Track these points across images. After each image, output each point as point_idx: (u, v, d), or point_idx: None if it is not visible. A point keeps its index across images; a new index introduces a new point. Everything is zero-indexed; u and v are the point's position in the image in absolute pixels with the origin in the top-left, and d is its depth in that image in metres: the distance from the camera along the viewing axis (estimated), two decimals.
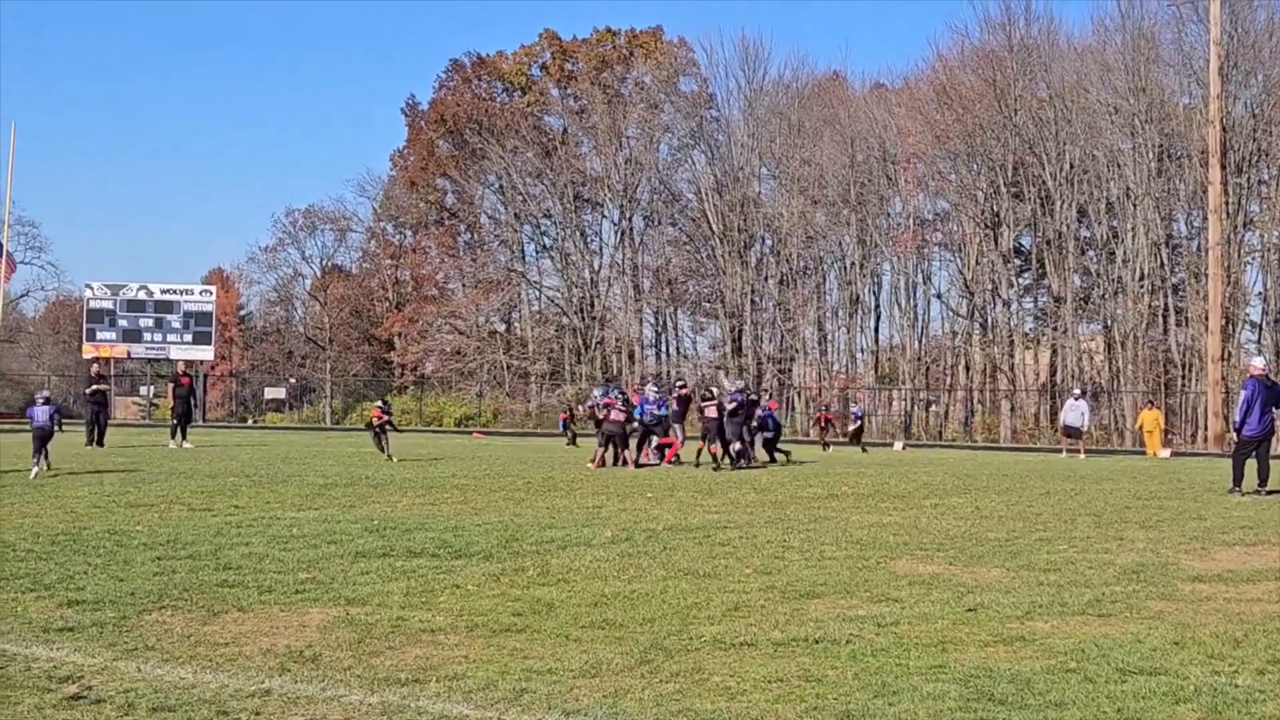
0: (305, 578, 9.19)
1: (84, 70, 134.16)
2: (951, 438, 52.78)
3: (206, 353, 65.04)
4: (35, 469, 19.80)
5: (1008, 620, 7.79)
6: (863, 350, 61.40)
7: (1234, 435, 19.71)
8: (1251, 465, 18.65)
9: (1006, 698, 5.83)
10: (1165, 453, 36.80)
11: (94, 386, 32.97)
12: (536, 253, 74.10)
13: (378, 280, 79.53)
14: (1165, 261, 50.73)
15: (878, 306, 61.02)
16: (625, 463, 24.62)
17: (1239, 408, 19.08)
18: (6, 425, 44.14)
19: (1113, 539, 12.26)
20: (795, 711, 5.63)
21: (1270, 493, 18.30)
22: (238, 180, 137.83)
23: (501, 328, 74.31)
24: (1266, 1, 48.65)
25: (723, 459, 24.37)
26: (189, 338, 63.32)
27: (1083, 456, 33.41)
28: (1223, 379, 42.48)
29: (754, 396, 29.31)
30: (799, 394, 60.56)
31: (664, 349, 70.77)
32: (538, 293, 72.71)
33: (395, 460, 25.06)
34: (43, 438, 20.40)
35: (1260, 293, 50.08)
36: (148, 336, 63.25)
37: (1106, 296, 51.78)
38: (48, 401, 21.23)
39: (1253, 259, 50.58)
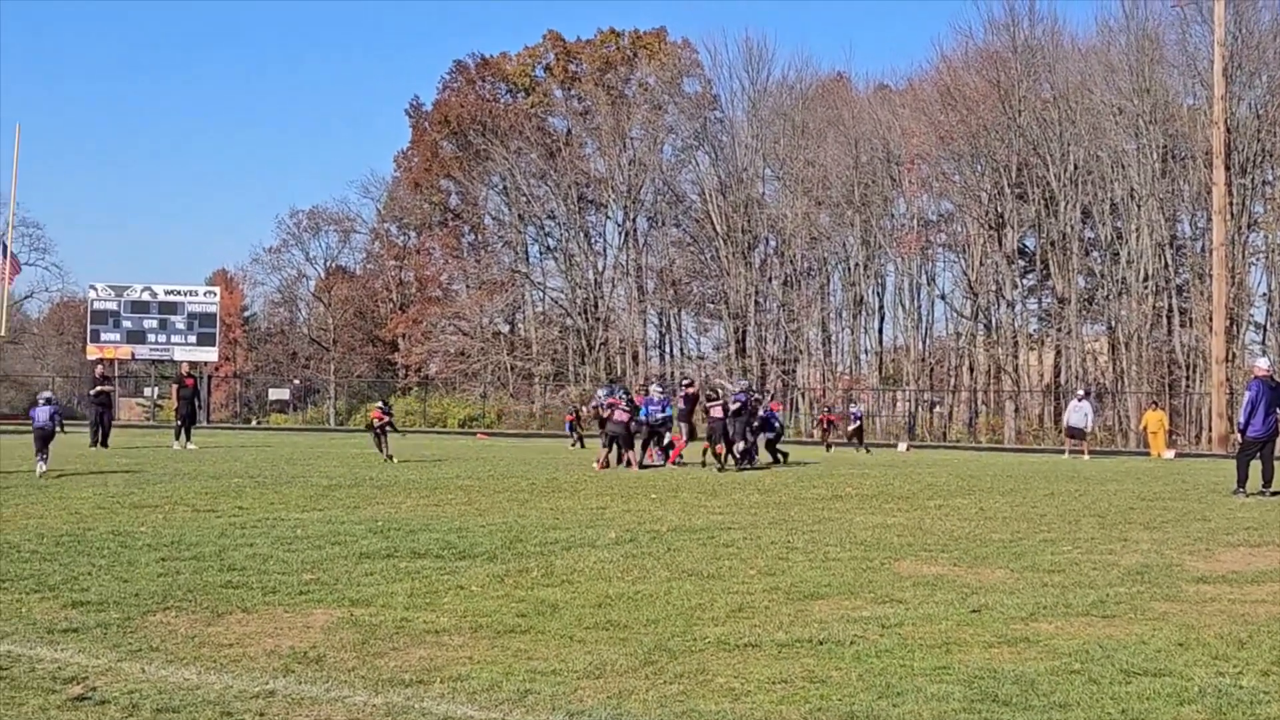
0: (309, 579, 9.19)
1: (88, 70, 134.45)
2: (956, 439, 52.77)
3: (210, 354, 65.10)
4: (40, 467, 19.85)
5: (1012, 621, 7.78)
6: (867, 351, 61.46)
7: (1238, 436, 19.70)
8: (1256, 466, 18.64)
9: (1011, 699, 5.83)
10: (1169, 454, 36.81)
11: (98, 388, 32.98)
12: (540, 254, 74.31)
13: (382, 281, 79.59)
14: (1169, 262, 50.72)
15: (882, 307, 61.09)
16: (629, 464, 24.60)
17: (1243, 409, 19.07)
18: (9, 427, 44.17)
19: (1117, 540, 12.25)
20: (799, 713, 5.63)
21: (1275, 494, 18.30)
22: (242, 181, 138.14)
23: (505, 329, 74.33)
24: (1271, 2, 48.75)
25: (726, 459, 24.35)
26: (193, 339, 63.37)
27: (1087, 457, 33.39)
28: (1227, 380, 42.46)
29: (758, 396, 29.33)
30: (803, 395, 60.56)
31: (668, 350, 70.83)
32: (542, 294, 72.80)
33: (395, 461, 25.08)
34: (44, 438, 20.44)
35: (1264, 294, 50.11)
36: (152, 338, 63.28)
37: (1110, 297, 51.78)
38: (49, 402, 21.29)
39: (1257, 260, 50.58)
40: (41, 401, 21.31)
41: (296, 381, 75.75)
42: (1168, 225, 50.93)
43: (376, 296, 79.21)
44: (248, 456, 27.49)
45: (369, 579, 9.25)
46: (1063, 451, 36.04)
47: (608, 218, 71.21)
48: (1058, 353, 54.73)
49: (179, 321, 63.43)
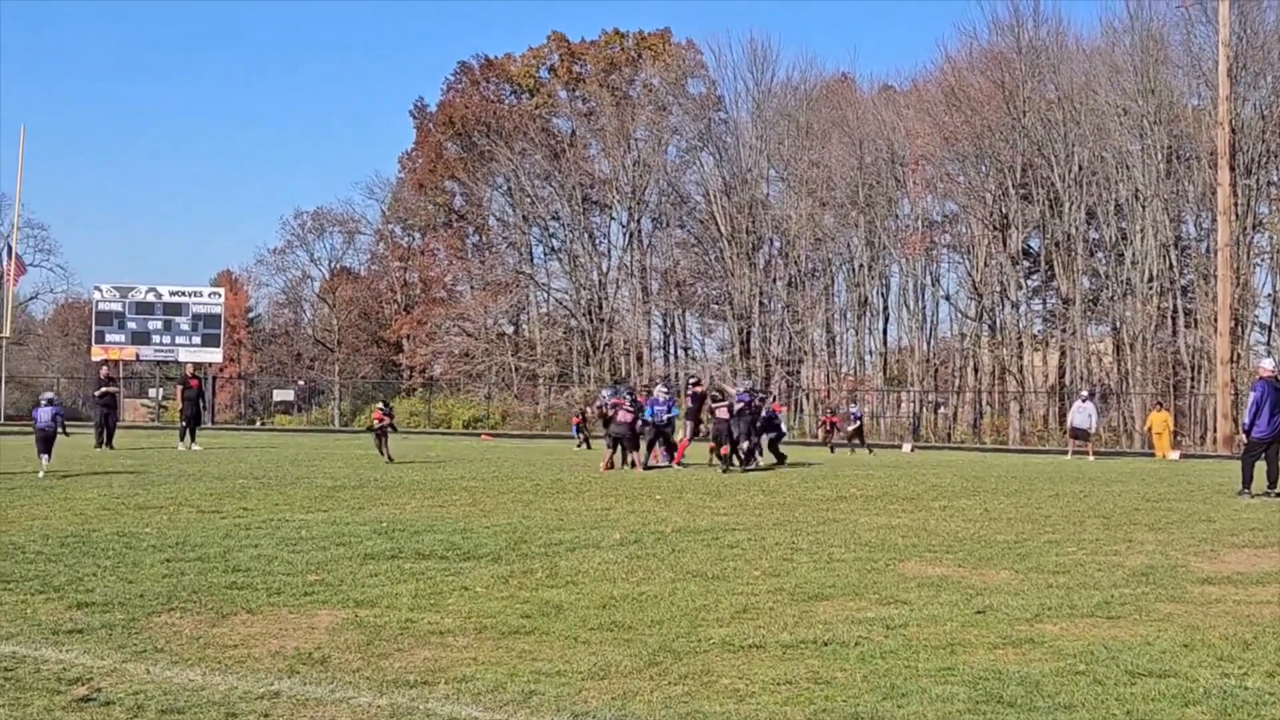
0: (314, 580, 9.20)
1: (92, 71, 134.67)
2: (960, 440, 52.72)
3: (215, 355, 65.14)
4: (44, 461, 19.91)
5: (1017, 622, 7.78)
6: (871, 352, 61.35)
7: (1243, 437, 19.68)
8: (1261, 467, 18.62)
9: (1015, 700, 5.83)
10: (1174, 455, 36.78)
11: (103, 389, 33.04)
12: (545, 255, 74.28)
13: (386, 282, 79.57)
14: (1174, 263, 50.67)
15: (886, 308, 61.02)
16: (634, 465, 24.61)
17: (1248, 409, 19.04)
18: (13, 428, 44.21)
19: (1122, 541, 12.24)
20: (804, 714, 5.63)
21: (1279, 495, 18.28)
22: (246, 182, 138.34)
23: (510, 330, 74.31)
24: (1276, 3, 48.62)
25: (731, 460, 24.35)
26: (197, 340, 63.38)
27: (1091, 458, 33.38)
28: (1232, 381, 42.44)
29: (762, 395, 29.35)
30: (807, 396, 60.53)
31: (672, 351, 70.80)
32: (546, 295, 72.77)
33: (394, 462, 25.11)
34: (46, 439, 20.49)
35: (1270, 294, 50.08)
36: (156, 339, 63.29)
37: (1115, 298, 51.72)
38: (51, 403, 21.34)
39: (1262, 260, 50.53)
40: (43, 402, 21.36)
41: (301, 383, 75.79)
42: (1172, 226, 50.87)
43: (381, 298, 79.21)
44: (252, 457, 27.52)
45: (374, 580, 9.26)
46: (1066, 452, 36.01)
47: (612, 219, 71.22)
48: (1062, 354, 54.65)
49: (184, 323, 63.44)
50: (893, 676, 6.28)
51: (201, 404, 34.75)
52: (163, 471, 21.59)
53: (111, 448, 30.17)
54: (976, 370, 56.86)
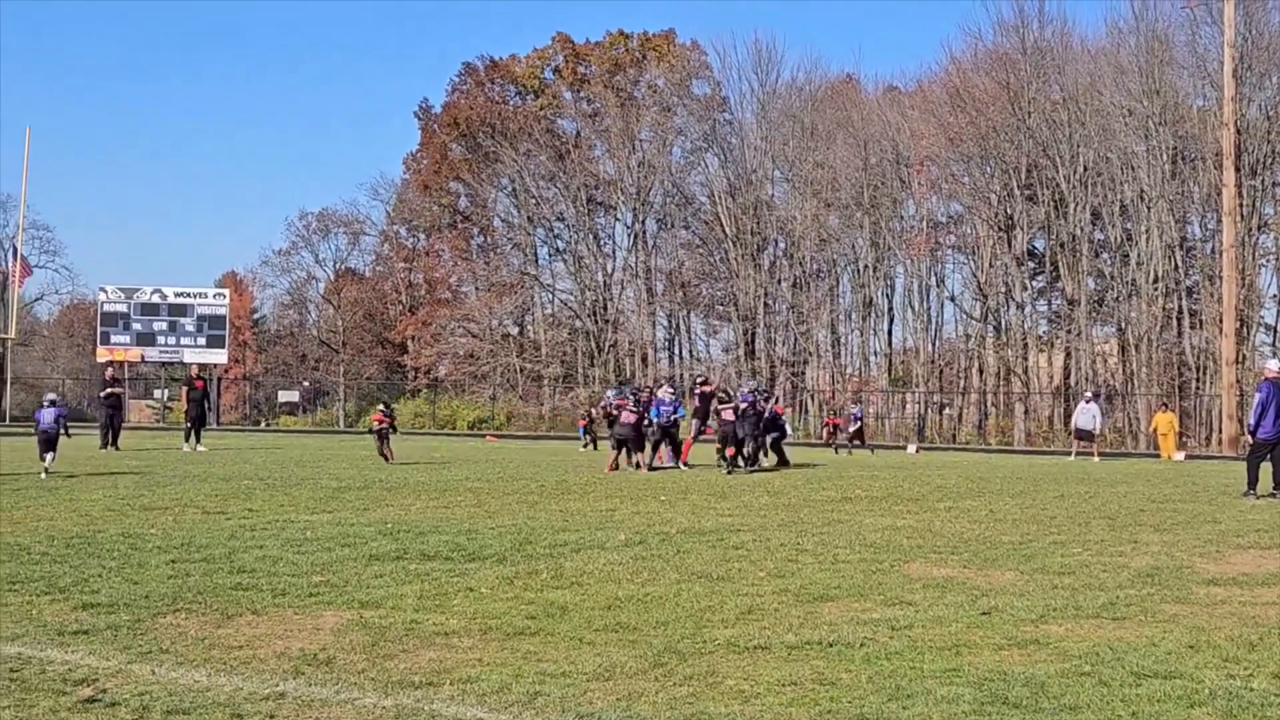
0: (319, 581, 9.21)
1: (96, 72, 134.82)
2: (965, 441, 52.68)
3: (220, 356, 65.21)
4: (48, 458, 19.95)
5: (1022, 623, 7.78)
6: (876, 353, 61.39)
7: (1248, 438, 19.66)
8: (1266, 468, 18.60)
9: (1021, 701, 5.82)
10: (1179, 456, 36.76)
11: (108, 390, 33.08)
12: (549, 256, 74.26)
13: (391, 283, 79.59)
14: (1179, 264, 50.63)
15: (891, 309, 61.00)
16: (638, 466, 24.61)
17: (1253, 410, 19.03)
18: (19, 429, 44.26)
19: (1127, 542, 12.23)
20: (809, 715, 5.63)
21: None
22: (251, 183, 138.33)
23: (514, 331, 74.32)
24: None
25: (734, 460, 24.33)
26: (203, 341, 63.44)
27: (1096, 459, 33.35)
28: (1237, 382, 42.41)
29: (765, 393, 29.37)
30: (812, 397, 60.51)
31: (677, 352, 70.79)
32: (551, 296, 72.77)
33: (393, 462, 25.13)
34: (48, 440, 20.51)
35: (1275, 295, 50.17)
36: (161, 340, 63.35)
37: (1120, 299, 51.68)
38: (53, 404, 21.36)
39: (1267, 261, 50.53)
40: (46, 404, 21.38)
41: (306, 384, 75.85)
42: (1178, 227, 50.81)
43: (386, 299, 79.23)
44: (257, 459, 27.53)
45: (378, 581, 9.26)
46: (1070, 453, 35.96)
47: (617, 220, 71.24)
48: (1067, 354, 54.62)
49: (189, 324, 63.49)
50: (898, 677, 6.27)
51: (206, 405, 34.79)
52: (168, 472, 21.60)
53: (117, 449, 30.21)
54: (981, 371, 56.82)
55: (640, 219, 68.40)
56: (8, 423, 58.62)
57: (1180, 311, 50.40)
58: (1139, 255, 50.43)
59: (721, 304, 67.43)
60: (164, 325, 63.37)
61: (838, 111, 60.60)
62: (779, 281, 62.81)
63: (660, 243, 69.28)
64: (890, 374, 59.59)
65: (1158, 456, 37.01)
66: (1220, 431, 44.00)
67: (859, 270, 60.00)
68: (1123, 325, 52.25)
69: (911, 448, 44.78)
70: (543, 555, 10.78)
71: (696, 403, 28.09)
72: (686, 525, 13.44)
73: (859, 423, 41.03)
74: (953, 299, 59.54)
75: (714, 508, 15.78)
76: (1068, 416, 44.38)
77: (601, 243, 71.47)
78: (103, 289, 64.43)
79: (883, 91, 63.56)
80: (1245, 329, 46.90)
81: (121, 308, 63.16)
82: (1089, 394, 37.41)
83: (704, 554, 10.98)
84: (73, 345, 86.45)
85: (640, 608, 8.24)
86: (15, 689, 5.95)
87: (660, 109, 68.49)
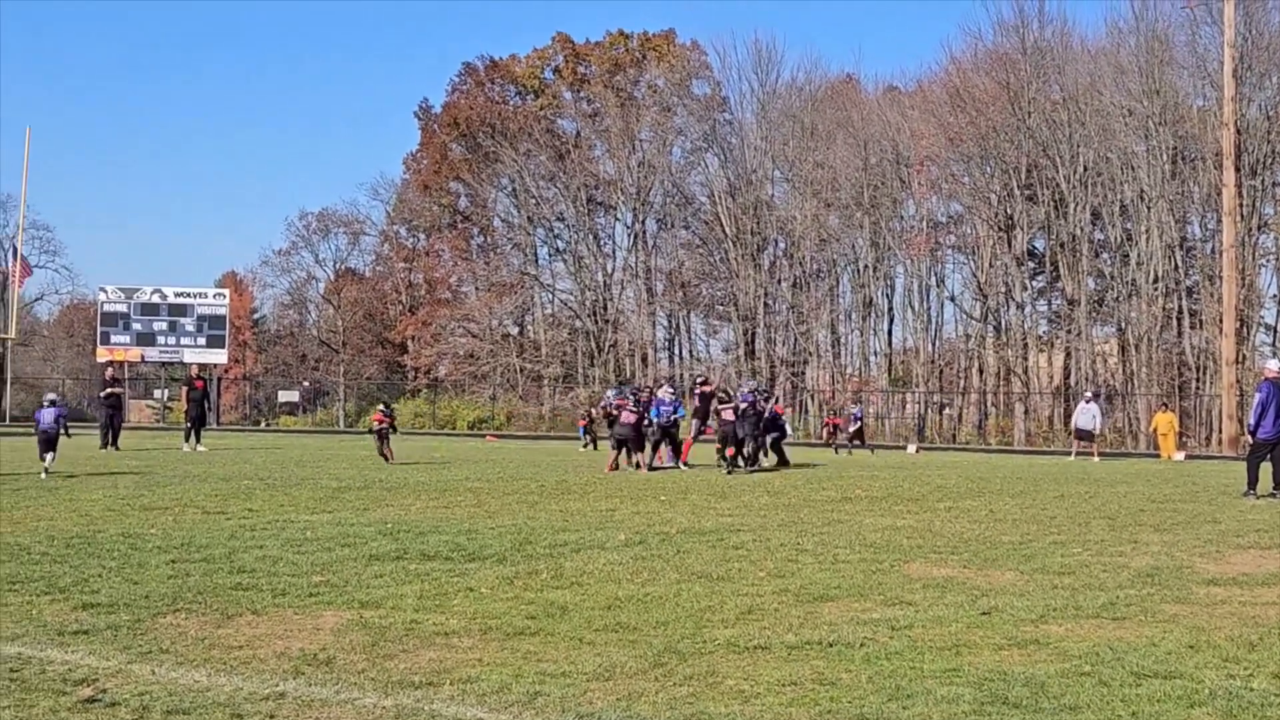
0: (319, 581, 9.21)
1: (94, 72, 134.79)
2: (965, 441, 52.68)
3: (220, 356, 65.21)
4: (45, 467, 19.95)
5: (1022, 623, 7.78)
6: (876, 353, 61.39)
7: (1248, 438, 19.66)
8: (1266, 468, 18.60)
9: (1021, 701, 5.82)
10: (1179, 456, 36.76)
11: (108, 390, 33.09)
12: (549, 256, 74.26)
13: (391, 283, 79.60)
14: (1179, 264, 50.63)
15: (891, 309, 60.99)
16: (638, 466, 24.61)
17: (1253, 410, 19.03)
18: (19, 429, 44.25)
19: (1127, 542, 12.23)
20: (809, 715, 5.63)
21: None
22: (250, 183, 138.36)
23: (514, 331, 74.32)
24: None
25: (734, 460, 24.33)
26: (203, 341, 63.44)
27: (1096, 459, 33.35)
28: (1237, 382, 42.41)
29: (765, 392, 29.38)
30: (812, 397, 60.50)
31: (677, 352, 70.78)
32: (551, 296, 72.76)
33: (391, 462, 25.13)
34: (48, 441, 20.52)
35: (1275, 295, 50.17)
36: (161, 340, 63.36)
37: (1120, 299, 51.68)
38: (53, 404, 21.37)
39: (1267, 261, 50.53)
40: (46, 404, 21.39)
41: (306, 384, 75.84)
42: (1178, 227, 50.82)
43: (386, 299, 79.23)
44: (257, 459, 27.54)
45: (378, 581, 9.26)
46: (1070, 453, 35.95)
47: (617, 220, 71.24)
48: (1067, 354, 54.62)
49: (189, 324, 63.49)
50: (898, 677, 6.27)
51: (206, 405, 34.79)
52: (168, 472, 21.61)
53: (117, 449, 30.22)
54: (981, 371, 56.82)
55: (640, 219, 68.42)
56: (8, 423, 58.62)
57: (1180, 311, 50.40)
58: (1139, 255, 50.43)
59: (721, 304, 67.44)
60: (164, 325, 63.36)
61: (838, 111, 60.60)
62: (779, 281, 62.81)
63: (660, 243, 69.28)
64: (890, 374, 59.59)
65: (1158, 456, 37.01)
66: (1220, 431, 44.01)
67: (859, 270, 60.00)
68: (1123, 325, 52.25)
69: (911, 448, 44.79)
70: (543, 555, 10.78)
71: (696, 402, 28.11)
72: (686, 525, 13.45)
73: (859, 423, 41.03)
74: (953, 299, 59.60)
75: (714, 508, 15.78)
76: (1068, 416, 44.41)
77: (601, 243, 71.51)
78: (103, 289, 64.42)
79: (883, 91, 63.62)
80: (1245, 329, 46.91)
81: (121, 308, 63.16)
82: (1089, 394, 37.41)
83: (704, 554, 10.98)
84: (73, 345, 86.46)
85: (640, 608, 8.24)
86: (15, 689, 5.95)
87: (660, 109, 68.48)
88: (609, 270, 70.21)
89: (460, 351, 71.68)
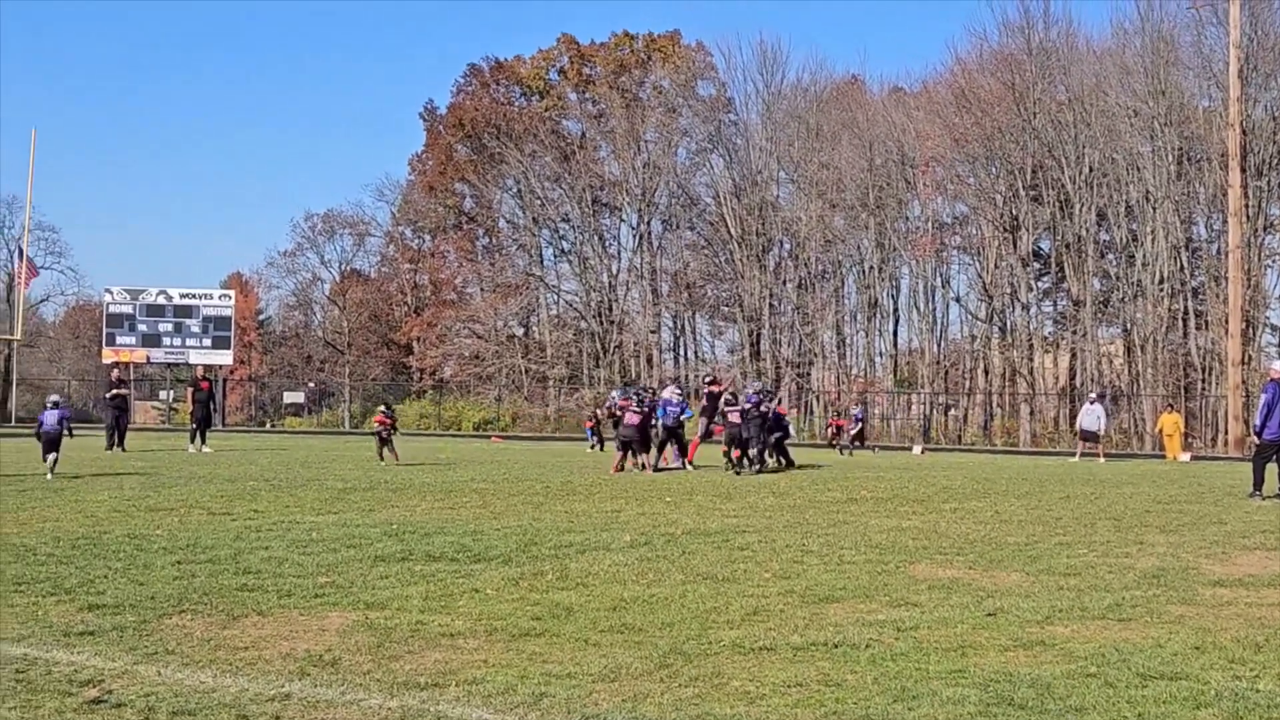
0: (324, 582, 9.21)
1: (97, 72, 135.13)
2: (970, 442, 52.61)
3: (225, 357, 65.24)
4: (49, 468, 19.98)
5: (1027, 625, 7.77)
6: (881, 354, 61.31)
7: (1254, 439, 19.64)
8: (1272, 469, 18.58)
9: (1027, 702, 5.82)
10: (1185, 456, 36.71)
11: (114, 391, 33.15)
12: (555, 257, 74.24)
13: (396, 285, 79.68)
14: (1185, 265, 50.56)
15: (896, 310, 60.91)
16: (643, 467, 24.58)
17: (1259, 411, 19.01)
18: (25, 430, 44.30)
19: (1133, 543, 12.22)
20: (814, 716, 5.63)
21: None
22: (255, 185, 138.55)
23: (520, 332, 74.34)
24: None
25: (740, 461, 24.33)
26: (208, 342, 63.49)
27: (1102, 460, 33.31)
28: (1243, 383, 42.32)
29: (769, 392, 29.39)
30: (817, 398, 60.45)
31: (682, 353, 70.78)
32: (556, 297, 72.76)
33: (384, 464, 25.13)
34: (51, 442, 20.54)
35: None
36: (167, 341, 63.41)
37: (1126, 300, 51.63)
38: (56, 405, 21.40)
39: (1273, 262, 50.44)
40: (49, 405, 21.43)
41: (311, 385, 75.87)
42: (1183, 228, 50.77)
43: (391, 300, 79.30)
44: (263, 460, 27.55)
45: (384, 582, 9.26)
46: (1074, 454, 35.89)
47: (622, 221, 71.23)
48: (1073, 355, 54.55)
49: (194, 325, 63.54)
50: (903, 679, 6.27)
51: (212, 406, 34.85)
52: (173, 474, 21.63)
53: (123, 450, 30.26)
54: (987, 372, 56.76)
55: (645, 220, 68.38)
56: (13, 424, 58.67)
57: (1186, 312, 50.33)
58: (1144, 256, 50.36)
59: (727, 305, 67.43)
60: (169, 326, 63.42)
61: (843, 112, 60.56)
62: (784, 282, 62.78)
63: (665, 244, 69.28)
64: (895, 375, 59.52)
65: (1163, 457, 36.98)
66: (1226, 432, 43.94)
67: (864, 271, 59.95)
68: (1128, 326, 52.19)
69: (917, 449, 44.75)
70: (548, 556, 10.78)
71: (704, 402, 28.10)
72: (692, 526, 13.44)
73: (860, 424, 41.03)
74: (958, 300, 59.54)
75: (719, 509, 15.78)
76: (1073, 417, 44.37)
77: (606, 244, 71.48)
78: (108, 290, 64.48)
79: (888, 92, 63.60)
80: (1251, 330, 46.81)
81: (127, 309, 63.22)
82: (1093, 395, 37.38)
83: (709, 555, 10.98)
84: (78, 346, 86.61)
85: (645, 609, 8.24)
86: (21, 690, 5.96)
87: (665, 110, 68.46)
88: (614, 271, 70.22)
89: (465, 353, 71.70)
